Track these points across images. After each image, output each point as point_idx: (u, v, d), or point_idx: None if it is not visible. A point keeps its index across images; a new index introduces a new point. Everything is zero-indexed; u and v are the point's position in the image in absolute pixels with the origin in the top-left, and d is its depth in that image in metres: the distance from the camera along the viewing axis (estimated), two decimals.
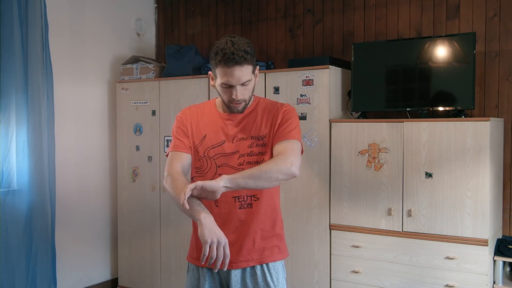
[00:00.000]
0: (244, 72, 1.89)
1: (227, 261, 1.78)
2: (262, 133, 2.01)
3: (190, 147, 2.06)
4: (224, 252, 1.77)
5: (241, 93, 1.93)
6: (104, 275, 4.31)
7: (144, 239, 4.08)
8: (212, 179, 1.96)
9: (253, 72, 1.95)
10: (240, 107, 1.99)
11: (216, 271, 1.81)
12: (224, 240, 1.77)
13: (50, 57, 3.56)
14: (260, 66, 3.58)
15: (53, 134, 3.60)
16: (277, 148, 1.95)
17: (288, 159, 1.87)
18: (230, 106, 1.99)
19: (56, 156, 3.63)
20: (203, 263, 1.79)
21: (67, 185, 3.93)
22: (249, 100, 2.01)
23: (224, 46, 1.87)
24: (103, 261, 4.31)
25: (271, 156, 1.99)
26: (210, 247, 1.75)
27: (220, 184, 1.76)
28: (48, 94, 3.55)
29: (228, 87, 1.92)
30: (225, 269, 1.80)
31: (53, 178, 3.60)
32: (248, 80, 1.92)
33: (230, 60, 1.85)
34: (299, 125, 2.06)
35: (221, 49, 1.87)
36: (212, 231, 1.77)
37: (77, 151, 4.05)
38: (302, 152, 2.01)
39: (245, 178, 1.80)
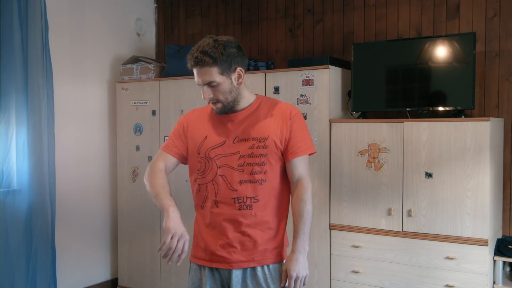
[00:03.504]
0: (204, 73, 1.94)
1: (183, 257, 1.85)
2: (264, 134, 2.01)
3: (182, 153, 2.11)
4: (183, 247, 1.85)
5: (207, 93, 1.97)
6: (104, 275, 4.31)
7: (144, 239, 4.08)
8: (213, 179, 2.01)
9: (222, 73, 1.94)
10: (216, 107, 2.02)
11: (169, 263, 1.87)
12: (186, 236, 1.86)
13: (50, 57, 3.56)
14: (260, 66, 3.60)
15: (53, 134, 3.60)
16: (293, 168, 2.04)
17: (307, 185, 2.04)
18: (212, 107, 2.04)
19: (56, 156, 3.63)
20: (160, 251, 1.86)
21: (67, 185, 3.93)
22: (230, 102, 2.00)
23: (193, 47, 1.97)
24: (103, 261, 4.31)
25: (274, 158, 2.02)
26: (172, 238, 1.83)
27: (306, 250, 2.00)
28: (48, 94, 3.55)
29: (200, 87, 2.00)
30: (179, 264, 1.86)
31: (53, 178, 3.60)
32: (212, 81, 1.94)
33: (190, 61, 1.96)
34: (306, 124, 2.11)
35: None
36: (178, 224, 1.87)
37: (77, 151, 4.05)
38: (314, 150, 2.11)
39: (306, 234, 2.01)
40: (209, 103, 2.05)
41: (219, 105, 2.00)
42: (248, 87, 2.13)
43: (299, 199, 2.04)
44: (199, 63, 1.92)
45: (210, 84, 1.95)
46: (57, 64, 3.75)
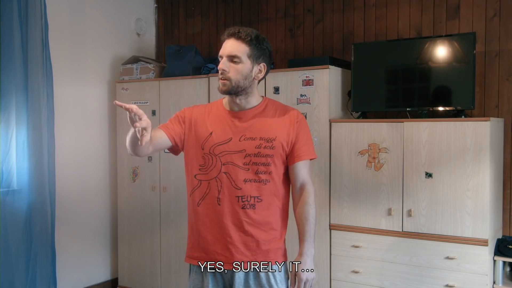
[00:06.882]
0: (235, 46, 1.96)
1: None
2: (272, 135, 2.02)
3: (174, 137, 2.06)
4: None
5: (225, 65, 1.97)
6: (104, 275, 4.31)
7: (144, 239, 4.08)
8: (217, 176, 2.00)
9: (250, 57, 1.98)
10: (224, 85, 1.99)
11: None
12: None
13: (50, 57, 3.56)
14: None
15: (53, 134, 3.60)
16: (296, 171, 2.06)
17: (311, 189, 2.08)
18: (219, 84, 2.02)
19: (56, 156, 3.63)
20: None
21: (67, 185, 3.93)
22: (239, 86, 1.99)
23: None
24: (103, 261, 4.31)
25: (279, 160, 2.02)
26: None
27: (312, 254, 2.06)
28: (48, 94, 3.55)
29: (221, 59, 2.00)
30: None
31: (53, 178, 3.60)
32: (236, 56, 1.96)
33: (228, 31, 2.00)
34: (309, 129, 2.12)
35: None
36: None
37: (77, 151, 4.05)
38: (316, 156, 2.13)
39: (312, 237, 2.07)
40: (219, 79, 2.01)
41: (227, 82, 1.98)
42: None
43: (304, 202, 2.06)
44: (236, 35, 1.97)
45: (232, 59, 1.97)
46: (57, 64, 3.74)
